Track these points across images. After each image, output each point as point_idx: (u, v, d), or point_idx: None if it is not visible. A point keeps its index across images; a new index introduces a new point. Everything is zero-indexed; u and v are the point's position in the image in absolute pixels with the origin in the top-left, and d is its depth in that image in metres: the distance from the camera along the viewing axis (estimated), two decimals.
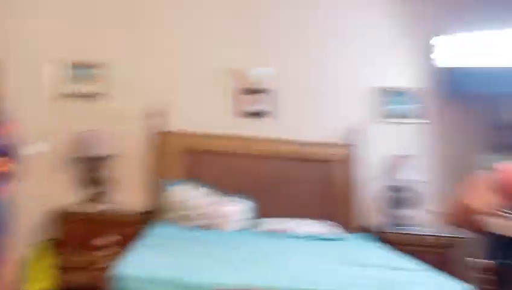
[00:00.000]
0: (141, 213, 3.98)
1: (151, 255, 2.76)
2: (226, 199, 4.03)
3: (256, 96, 4.42)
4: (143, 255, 2.74)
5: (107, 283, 2.30)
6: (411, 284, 2.66)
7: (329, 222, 4.11)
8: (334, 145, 4.41)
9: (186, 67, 4.39)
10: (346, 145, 4.41)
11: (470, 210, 1.83)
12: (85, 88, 4.22)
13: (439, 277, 2.77)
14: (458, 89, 4.30)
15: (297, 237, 3.75)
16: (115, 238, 2.56)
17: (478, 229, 1.90)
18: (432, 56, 4.48)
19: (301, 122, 4.45)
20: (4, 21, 4.12)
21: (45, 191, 4.01)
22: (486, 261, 2.58)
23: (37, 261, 3.82)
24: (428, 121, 4.54)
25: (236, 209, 4.00)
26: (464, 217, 1.85)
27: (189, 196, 3.98)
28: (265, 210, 4.10)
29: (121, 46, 4.32)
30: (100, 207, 3.98)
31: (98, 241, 2.42)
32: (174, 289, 2.33)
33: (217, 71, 4.39)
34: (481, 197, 1.95)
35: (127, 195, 4.18)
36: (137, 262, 2.58)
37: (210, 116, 4.36)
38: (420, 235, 4.10)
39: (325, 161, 4.36)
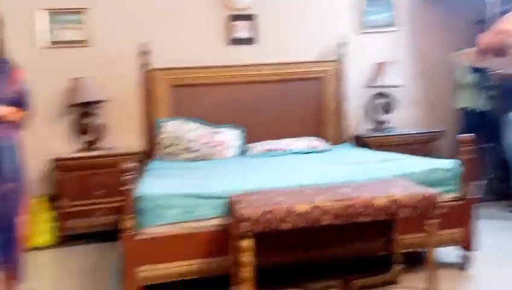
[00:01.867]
0: (137, 153, 4.10)
1: (161, 180, 2.95)
2: (216, 130, 4.18)
3: (242, 22, 4.51)
4: (154, 181, 2.92)
5: (132, 204, 2.47)
6: (404, 164, 2.96)
7: (319, 137, 4.34)
8: (320, 62, 4.57)
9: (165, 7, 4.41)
10: (331, 61, 4.57)
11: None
12: (70, 35, 4.22)
13: (428, 158, 3.09)
14: None
15: (289, 152, 3.99)
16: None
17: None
18: None
19: (285, 44, 4.56)
20: None
21: (39, 143, 4.05)
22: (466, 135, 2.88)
23: (37, 215, 3.93)
24: (405, 27, 4.78)
25: (227, 138, 4.16)
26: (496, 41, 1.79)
27: (181, 130, 4.11)
28: (257, 135, 4.28)
29: None
30: (95, 153, 4.07)
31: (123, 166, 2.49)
32: (193, 201, 2.53)
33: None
34: None
35: (121, 138, 4.30)
36: (152, 185, 2.77)
37: (197, 48, 4.43)
38: (403, 134, 4.43)
39: (312, 79, 4.51)
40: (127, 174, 2.43)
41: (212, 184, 2.75)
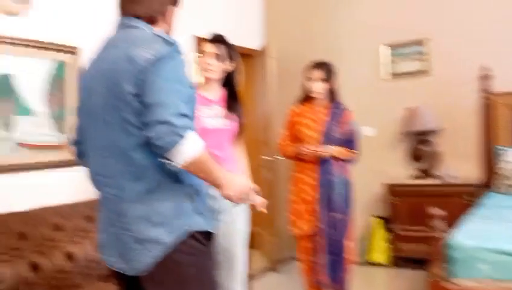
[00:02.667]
0: (471, 185, 3.92)
1: (484, 225, 2.75)
2: None
3: None
4: (475, 225, 2.77)
5: (441, 252, 2.45)
6: None
7: None
8: None
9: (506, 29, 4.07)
10: None
11: None
12: (409, 66, 4.44)
13: None
14: None
15: None
16: (444, 211, 2.68)
17: None
18: None
19: None
20: (337, 13, 4.74)
21: (377, 167, 4.45)
22: None
23: (374, 234, 4.30)
24: None
25: None
26: None
27: None
28: None
29: (439, 21, 4.31)
30: (430, 180, 4.12)
31: (433, 211, 2.58)
32: (506, 259, 2.29)
33: None
34: None
35: (456, 167, 4.17)
36: (470, 230, 2.64)
37: None
38: None
39: None
40: (437, 220, 2.42)
41: None
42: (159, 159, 1.49)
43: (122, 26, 1.63)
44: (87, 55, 2.92)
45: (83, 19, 3.08)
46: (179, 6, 1.74)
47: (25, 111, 2.80)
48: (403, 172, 4.41)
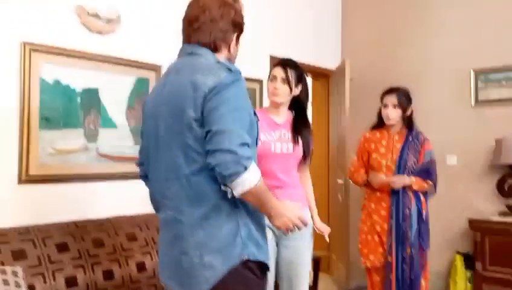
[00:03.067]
0: None
1: None
2: None
3: None
4: None
5: None
6: None
7: None
8: None
9: None
10: None
11: None
12: (499, 93, 4.12)
13: None
14: None
15: None
16: None
17: None
18: None
19: None
20: (421, 41, 4.54)
21: (462, 200, 4.15)
22: None
23: (456, 272, 3.98)
24: None
25: None
26: None
27: None
28: None
29: None
30: None
31: None
32: None
33: None
34: None
35: None
36: None
37: None
38: None
39: None
40: None
41: None
42: (219, 186, 1.51)
43: (185, 53, 1.68)
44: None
45: (165, 38, 3.22)
46: (242, 34, 1.77)
47: (109, 124, 2.96)
48: (489, 207, 4.06)
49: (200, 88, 1.51)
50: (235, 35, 1.72)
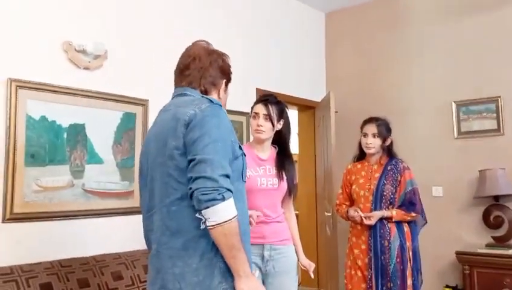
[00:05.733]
0: None
1: None
2: None
3: None
4: None
5: None
6: None
7: None
8: None
9: None
10: None
11: None
12: (477, 125, 4.21)
13: None
14: None
15: None
16: None
17: None
18: None
19: None
20: (402, 74, 4.64)
21: (449, 232, 4.17)
22: None
23: None
24: None
25: None
26: None
27: None
28: None
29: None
30: (507, 251, 3.78)
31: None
32: None
33: None
34: None
35: None
36: None
37: None
38: None
39: None
40: None
41: None
42: (195, 215, 1.49)
43: (176, 95, 1.75)
44: (155, 107, 3.07)
45: (152, 73, 3.25)
46: (230, 83, 1.83)
47: (96, 159, 2.92)
48: (476, 239, 4.08)
49: (181, 118, 1.55)
50: (224, 81, 1.78)
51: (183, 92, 1.71)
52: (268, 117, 2.44)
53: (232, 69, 1.82)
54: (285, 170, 2.48)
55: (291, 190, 2.51)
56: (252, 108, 2.54)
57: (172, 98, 1.76)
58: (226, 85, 1.80)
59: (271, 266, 2.37)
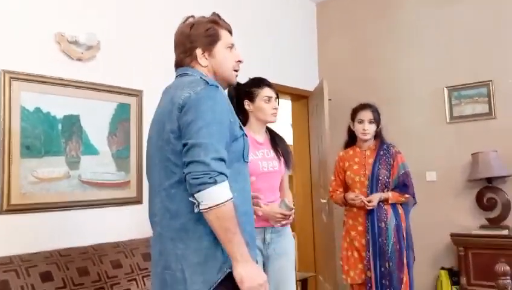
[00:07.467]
0: None
1: None
2: None
3: None
4: None
5: None
6: None
7: None
8: None
9: None
10: None
11: None
12: (469, 109, 4.25)
13: None
14: None
15: None
16: None
17: None
18: None
19: None
20: (394, 60, 4.66)
21: (444, 216, 4.21)
22: None
23: (442, 288, 4.00)
24: None
25: None
26: None
27: None
28: None
29: (503, 62, 4.12)
30: (501, 231, 3.83)
31: (500, 268, 2.38)
32: None
33: None
34: None
35: None
36: None
37: None
38: None
39: None
40: (505, 278, 2.22)
41: None
42: (189, 199, 1.49)
43: (177, 75, 1.76)
44: (149, 98, 3.07)
45: (146, 63, 3.24)
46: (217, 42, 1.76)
47: (91, 150, 2.93)
48: (471, 221, 4.13)
49: (176, 101, 1.55)
50: (201, 48, 1.71)
51: (185, 71, 1.72)
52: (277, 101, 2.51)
53: (209, 32, 1.72)
54: (281, 148, 2.51)
55: (287, 161, 2.52)
56: (260, 91, 2.50)
57: (176, 77, 1.76)
58: (206, 51, 1.71)
59: (272, 248, 2.40)
